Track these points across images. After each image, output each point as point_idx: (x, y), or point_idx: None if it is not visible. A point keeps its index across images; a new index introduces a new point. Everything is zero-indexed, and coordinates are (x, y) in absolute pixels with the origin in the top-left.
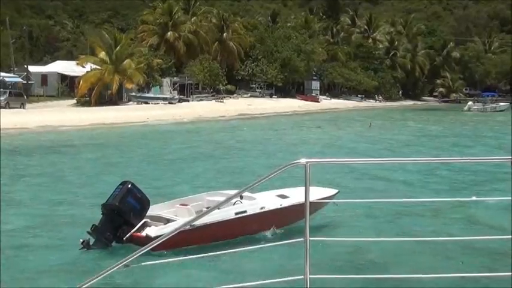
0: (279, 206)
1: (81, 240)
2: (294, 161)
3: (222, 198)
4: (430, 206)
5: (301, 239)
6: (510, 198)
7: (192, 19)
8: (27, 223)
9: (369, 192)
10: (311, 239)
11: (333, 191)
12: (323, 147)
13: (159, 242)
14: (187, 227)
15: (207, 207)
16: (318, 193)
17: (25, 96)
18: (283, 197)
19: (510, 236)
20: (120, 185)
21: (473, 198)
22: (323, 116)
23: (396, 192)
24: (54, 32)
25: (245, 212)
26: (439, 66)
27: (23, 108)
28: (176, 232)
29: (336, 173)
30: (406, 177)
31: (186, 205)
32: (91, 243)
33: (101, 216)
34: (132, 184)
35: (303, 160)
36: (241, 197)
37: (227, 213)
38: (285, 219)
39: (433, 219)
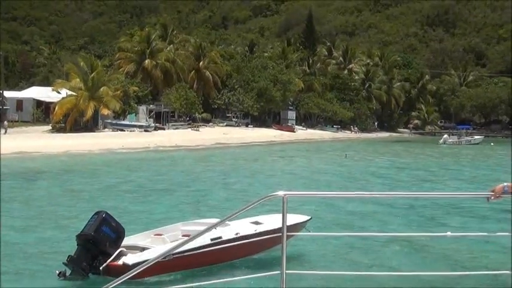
0: (254, 232)
1: (57, 271)
2: (271, 193)
3: (196, 228)
4: (404, 239)
5: (278, 272)
6: (486, 233)
7: (169, 47)
8: None
9: (344, 224)
10: (287, 272)
11: (305, 217)
12: (298, 178)
13: (138, 271)
14: (165, 255)
15: (183, 236)
16: (290, 219)
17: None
18: (257, 223)
19: (486, 272)
20: (94, 214)
21: (448, 233)
22: (298, 146)
23: (371, 225)
24: (30, 57)
25: (220, 237)
26: (414, 98)
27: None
28: (156, 260)
29: (311, 204)
30: (383, 210)
31: (161, 235)
32: (67, 274)
33: (76, 246)
34: (107, 213)
35: (281, 192)
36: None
37: (202, 239)
38: (261, 246)
39: (408, 253)
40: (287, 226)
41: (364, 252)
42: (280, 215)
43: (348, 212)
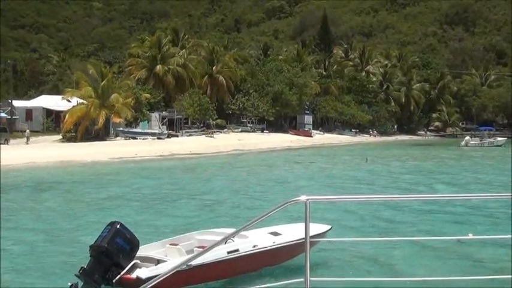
0: (273, 244)
1: (70, 283)
2: (293, 198)
3: (212, 237)
4: (428, 243)
5: (301, 279)
6: (509, 236)
7: (181, 52)
8: (11, 264)
9: (369, 229)
10: (312, 279)
11: (325, 227)
12: (319, 184)
13: (152, 285)
14: (180, 268)
15: (198, 247)
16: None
17: (8, 132)
18: (275, 234)
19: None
20: (108, 225)
21: (470, 236)
22: (316, 151)
23: (397, 229)
24: (39, 65)
25: (237, 250)
26: (434, 99)
27: (7, 143)
28: (168, 274)
29: (333, 210)
30: (410, 214)
31: (176, 245)
32: (79, 286)
33: (89, 258)
34: (121, 224)
35: (303, 197)
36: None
37: (219, 252)
38: (279, 258)
39: (432, 257)
40: (312, 239)
41: (390, 258)
42: (300, 224)
43: (373, 216)
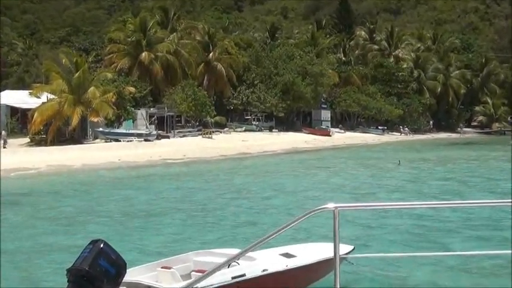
0: (286, 268)
1: None
2: (318, 206)
3: (213, 259)
4: (471, 259)
5: None
6: None
7: (171, 36)
8: None
9: (403, 242)
10: None
11: (347, 248)
12: (342, 192)
13: None
14: None
15: (196, 271)
16: (327, 250)
17: None
18: (288, 256)
19: None
20: (89, 244)
21: None
22: (337, 153)
23: (437, 241)
24: (1, 54)
25: (244, 275)
26: (477, 89)
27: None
28: None
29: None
30: (452, 223)
31: (170, 268)
32: None
33: (67, 283)
34: (105, 243)
35: (331, 205)
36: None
37: (222, 277)
38: (294, 284)
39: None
40: (321, 261)
41: (430, 273)
42: (317, 244)
43: (412, 226)
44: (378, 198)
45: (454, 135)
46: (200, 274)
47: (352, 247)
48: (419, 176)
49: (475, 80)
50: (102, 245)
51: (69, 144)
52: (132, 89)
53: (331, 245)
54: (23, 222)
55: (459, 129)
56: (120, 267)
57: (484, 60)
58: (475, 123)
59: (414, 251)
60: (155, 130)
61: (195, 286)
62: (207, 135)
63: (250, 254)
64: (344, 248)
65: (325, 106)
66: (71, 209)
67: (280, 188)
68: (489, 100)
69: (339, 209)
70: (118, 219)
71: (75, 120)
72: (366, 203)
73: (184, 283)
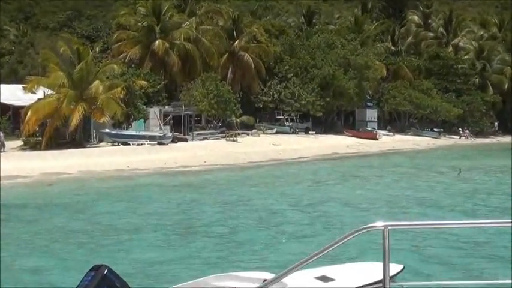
0: None
1: None
2: (367, 224)
3: (235, 284)
4: None
5: None
6: None
7: (190, 21)
8: None
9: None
10: None
11: (396, 267)
12: (395, 208)
13: None
14: None
15: None
16: (371, 272)
17: None
18: (326, 279)
19: None
20: (91, 270)
21: None
22: (385, 160)
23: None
24: None
25: None
26: None
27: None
28: None
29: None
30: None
31: None
32: None
33: None
34: (109, 269)
35: (380, 223)
36: (264, 281)
37: None
38: None
39: None
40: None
41: None
42: (359, 264)
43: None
44: (434, 215)
45: None
46: None
47: (401, 266)
48: (482, 188)
49: None
50: (105, 272)
51: (69, 148)
52: (144, 83)
53: (377, 265)
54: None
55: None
56: None
57: None
58: None
59: (475, 279)
60: (171, 132)
61: None
62: (232, 138)
63: (279, 278)
64: (392, 268)
65: (371, 104)
66: (64, 225)
67: (320, 202)
68: None
69: (389, 228)
70: (122, 238)
71: (76, 120)
72: (419, 222)
73: None
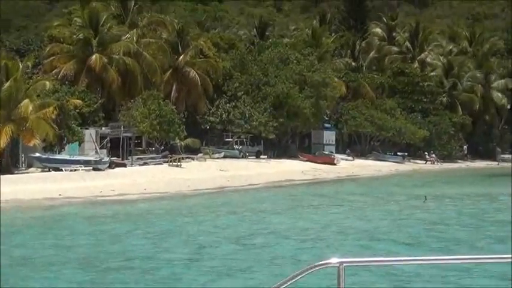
0: None
1: None
2: (321, 261)
3: None
4: None
5: None
6: None
7: (131, 33)
8: None
9: None
10: None
11: None
12: (352, 240)
13: None
14: None
15: None
16: None
17: None
18: None
19: None
20: None
21: None
22: (344, 188)
23: None
24: None
25: None
26: None
27: None
28: None
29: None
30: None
31: None
32: None
33: None
34: None
35: (335, 260)
36: None
37: None
38: None
39: None
40: None
41: None
42: None
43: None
44: (397, 249)
45: (494, 163)
46: None
47: None
48: (449, 218)
49: None
50: None
51: None
52: (79, 102)
53: None
54: None
55: (498, 156)
56: None
57: None
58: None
59: None
60: (108, 156)
61: None
62: (175, 163)
63: None
64: None
65: (329, 125)
66: None
67: (269, 233)
68: None
69: (344, 264)
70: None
71: (3, 143)
72: (378, 258)
73: None
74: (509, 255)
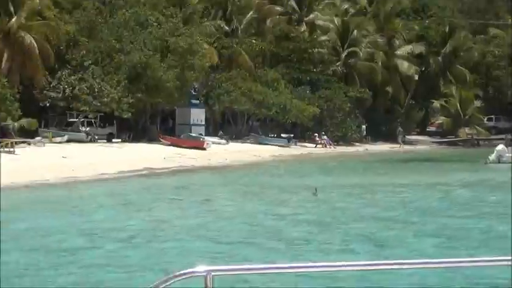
0: None
1: None
2: (186, 269)
3: None
4: None
5: None
6: None
7: None
8: None
9: None
10: None
11: None
12: (220, 244)
13: None
14: None
15: None
16: None
17: None
18: None
19: None
20: None
21: None
22: (216, 178)
23: None
24: None
25: None
26: (436, 75)
27: None
28: None
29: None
30: None
31: None
32: None
33: None
34: None
35: (202, 268)
36: None
37: None
38: None
39: None
40: None
41: None
42: None
43: None
44: (277, 251)
45: (396, 146)
46: None
47: None
48: (341, 210)
49: (433, 60)
50: None
51: None
52: None
53: None
54: None
55: (400, 137)
56: None
57: (447, 29)
58: (432, 128)
59: None
60: None
61: None
62: (7, 149)
63: None
64: None
65: (197, 102)
66: None
67: (118, 235)
68: (454, 91)
69: (212, 273)
70: None
71: None
72: (250, 266)
73: None
74: (509, 257)
